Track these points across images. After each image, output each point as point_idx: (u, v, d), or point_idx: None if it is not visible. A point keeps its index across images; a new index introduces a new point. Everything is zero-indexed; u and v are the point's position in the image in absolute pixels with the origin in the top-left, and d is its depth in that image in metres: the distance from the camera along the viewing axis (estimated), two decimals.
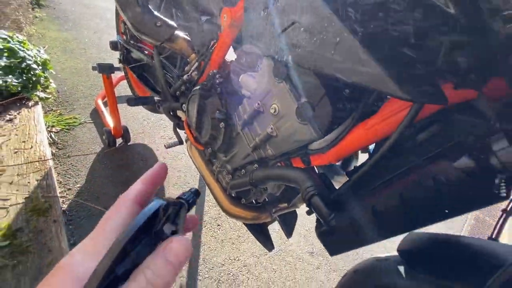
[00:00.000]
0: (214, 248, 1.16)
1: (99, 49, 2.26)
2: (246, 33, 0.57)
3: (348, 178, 0.48)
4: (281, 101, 0.54)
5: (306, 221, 1.44)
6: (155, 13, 0.84)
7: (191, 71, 0.84)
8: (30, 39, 1.80)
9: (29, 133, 1.13)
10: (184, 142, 1.04)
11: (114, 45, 1.31)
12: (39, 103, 1.35)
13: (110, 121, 1.47)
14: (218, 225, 1.27)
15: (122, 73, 1.73)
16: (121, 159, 1.40)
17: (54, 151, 1.31)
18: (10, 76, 1.23)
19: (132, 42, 1.19)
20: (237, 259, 1.14)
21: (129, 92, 1.83)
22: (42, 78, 1.40)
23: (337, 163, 0.59)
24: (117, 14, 1.40)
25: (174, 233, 0.20)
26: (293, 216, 0.98)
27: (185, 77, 0.84)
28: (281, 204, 0.85)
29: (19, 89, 1.24)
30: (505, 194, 0.25)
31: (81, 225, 1.06)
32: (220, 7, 0.68)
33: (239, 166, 0.74)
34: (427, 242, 0.56)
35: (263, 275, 1.12)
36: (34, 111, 1.25)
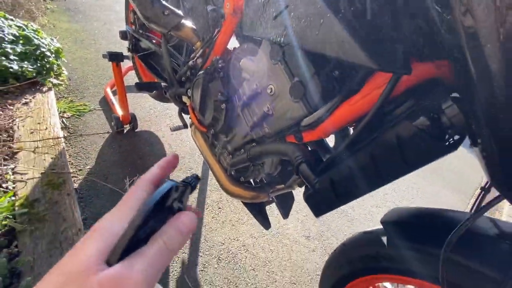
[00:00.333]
0: (215, 229, 1.22)
1: (108, 40, 2.33)
2: (246, 19, 0.62)
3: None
4: (276, 81, 0.59)
5: (303, 208, 1.49)
6: (163, 2, 0.89)
7: (196, 58, 0.89)
8: (42, 29, 1.87)
9: (43, 116, 1.20)
10: (189, 127, 1.10)
11: (123, 35, 1.37)
12: (52, 89, 1.42)
13: (118, 108, 1.54)
14: (219, 207, 1.33)
15: (131, 64, 1.80)
16: (129, 144, 1.47)
17: (65, 135, 1.38)
18: (26, 62, 1.30)
19: (140, 31, 1.25)
20: (236, 239, 1.21)
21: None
22: (55, 66, 1.47)
23: (326, 138, 0.64)
24: (127, 5, 1.46)
25: (180, 208, 0.26)
26: (290, 198, 1.03)
27: (190, 63, 0.90)
28: (278, 185, 0.91)
29: (34, 74, 1.31)
30: (454, 147, 0.30)
31: (91, 203, 1.13)
32: None
33: (238, 146, 0.80)
34: (408, 214, 0.62)
35: (260, 255, 1.18)
36: (47, 96, 1.32)
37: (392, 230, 0.61)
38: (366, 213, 1.65)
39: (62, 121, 1.44)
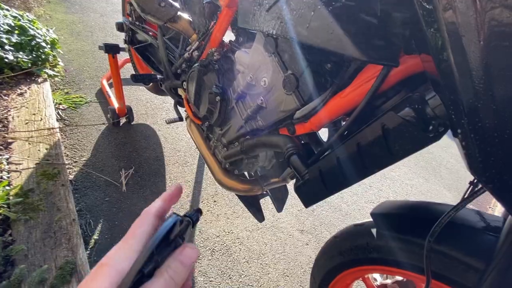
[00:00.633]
0: (209, 221, 1.24)
1: (105, 33, 2.31)
2: (242, 11, 0.62)
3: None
4: (270, 74, 0.60)
5: (298, 202, 1.51)
6: None
7: (191, 50, 0.89)
8: (38, 20, 1.85)
9: (38, 107, 1.20)
10: (184, 120, 1.10)
11: (120, 27, 1.36)
12: (48, 80, 1.41)
13: (114, 101, 1.53)
14: (215, 201, 1.34)
15: (127, 56, 1.79)
16: (124, 137, 1.47)
17: (61, 126, 1.38)
18: (21, 52, 1.29)
19: (137, 23, 1.24)
20: (231, 232, 1.22)
21: None
22: (50, 57, 1.46)
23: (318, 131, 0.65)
24: None
25: (182, 241, 0.27)
26: (285, 191, 1.04)
27: (186, 55, 0.90)
28: (272, 179, 0.92)
29: (29, 65, 1.30)
30: (437, 138, 0.31)
31: (86, 194, 1.13)
32: None
33: (233, 139, 0.81)
34: (397, 206, 0.63)
35: (254, 247, 1.19)
36: (43, 87, 1.32)
37: (381, 221, 0.62)
38: (359, 208, 1.66)
39: (58, 113, 1.44)
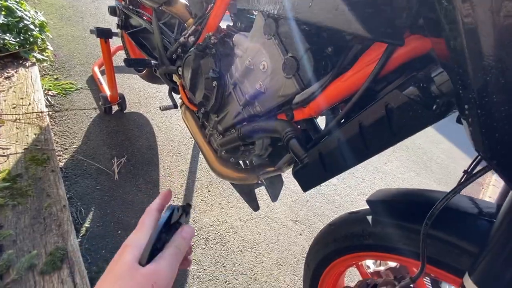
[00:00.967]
0: (203, 211, 1.23)
1: (96, 18, 2.24)
2: None
3: None
4: (269, 57, 0.58)
5: (292, 194, 1.51)
6: None
7: (187, 35, 0.87)
8: (26, 2, 1.77)
9: (26, 91, 1.16)
10: (179, 107, 1.08)
11: (112, 11, 1.32)
12: (36, 64, 1.36)
13: (106, 88, 1.49)
14: (209, 191, 1.33)
15: (119, 42, 1.74)
16: (117, 125, 1.44)
17: (51, 113, 1.34)
18: (8, 34, 1.23)
19: (131, 7, 1.21)
20: (225, 221, 1.22)
21: None
22: (39, 40, 1.41)
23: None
24: None
25: (181, 224, 0.37)
26: (280, 181, 1.04)
27: (181, 39, 0.88)
28: (267, 168, 0.91)
29: (17, 47, 1.25)
30: (442, 116, 0.30)
31: (77, 182, 1.11)
32: None
33: (229, 126, 0.79)
34: (392, 194, 0.63)
35: (248, 237, 1.19)
36: (31, 71, 1.27)
37: (377, 208, 0.62)
38: (352, 200, 1.68)
39: (47, 99, 1.39)
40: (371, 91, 0.45)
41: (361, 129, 0.37)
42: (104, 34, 1.25)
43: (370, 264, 0.80)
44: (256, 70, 0.63)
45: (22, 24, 1.32)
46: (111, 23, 2.23)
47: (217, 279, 1.02)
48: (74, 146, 1.24)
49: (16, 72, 1.23)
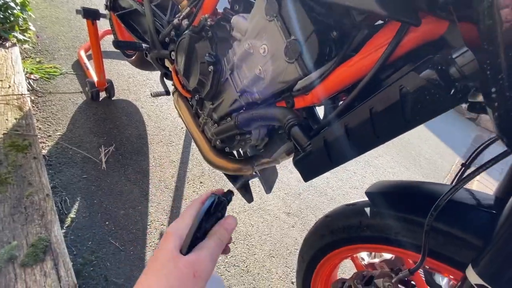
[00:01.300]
0: None
1: (82, 0, 2.12)
2: None
3: None
4: (270, 40, 0.55)
5: (285, 186, 1.50)
6: None
7: (182, 16, 0.82)
8: None
9: (6, 73, 1.08)
10: (171, 95, 1.04)
11: None
12: (17, 44, 1.27)
13: (93, 74, 1.42)
14: (201, 182, 1.30)
15: (108, 27, 1.66)
16: (104, 113, 1.38)
17: (33, 98, 1.26)
18: None
19: None
20: None
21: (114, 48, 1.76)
22: (20, 19, 1.31)
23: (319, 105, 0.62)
24: None
25: (223, 214, 0.38)
26: (274, 173, 1.02)
27: (175, 21, 0.83)
28: (263, 159, 0.88)
29: None
30: (460, 100, 0.28)
31: (61, 171, 1.05)
32: None
33: (225, 114, 0.76)
34: (391, 186, 0.62)
35: (241, 229, 1.17)
36: (11, 52, 1.19)
37: (375, 200, 0.61)
38: (344, 193, 1.69)
39: (29, 83, 1.31)
40: (378, 78, 0.43)
41: (372, 115, 0.35)
42: (91, 15, 1.18)
43: (364, 256, 0.79)
44: (255, 54, 0.60)
45: (2, 1, 1.23)
46: (99, 5, 2.12)
47: None
48: (58, 133, 1.18)
49: None
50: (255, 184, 1.39)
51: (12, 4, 1.28)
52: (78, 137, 1.20)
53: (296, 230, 1.29)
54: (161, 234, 1.05)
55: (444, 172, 2.59)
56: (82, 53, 1.58)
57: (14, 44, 1.25)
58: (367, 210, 0.63)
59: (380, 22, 0.46)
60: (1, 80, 1.04)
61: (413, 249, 0.55)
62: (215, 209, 0.36)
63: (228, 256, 1.07)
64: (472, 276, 0.40)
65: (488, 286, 0.38)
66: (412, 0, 0.32)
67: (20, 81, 1.09)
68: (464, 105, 0.40)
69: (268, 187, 1.00)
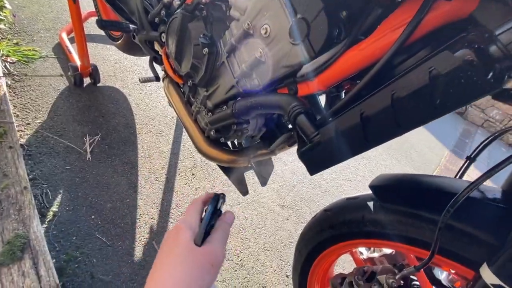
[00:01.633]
0: (187, 195, 1.15)
1: None
2: None
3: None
4: (273, 19, 0.50)
5: (279, 179, 1.47)
6: None
7: None
8: None
9: None
10: (161, 81, 0.97)
11: None
12: None
13: (76, 58, 1.32)
14: (193, 174, 1.25)
15: (92, 8, 1.55)
16: (89, 100, 1.29)
17: (10, 83, 1.17)
18: None
19: None
20: None
21: (98, 31, 1.65)
22: None
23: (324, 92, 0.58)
24: None
25: (221, 211, 0.42)
26: (269, 165, 0.98)
27: (165, 0, 0.76)
28: (260, 150, 0.84)
29: None
30: (498, 84, 0.25)
31: (42, 161, 0.98)
32: None
33: (220, 101, 0.71)
34: (396, 179, 0.59)
35: (235, 222, 1.14)
36: None
37: (380, 194, 0.58)
38: (338, 185, 1.68)
39: (5, 66, 1.21)
40: (393, 62, 0.39)
41: (394, 101, 0.31)
42: None
43: (363, 251, 0.77)
44: (256, 35, 0.54)
45: None
46: None
47: None
48: (38, 121, 1.09)
49: None
50: (249, 176, 1.35)
51: None
52: (60, 126, 1.12)
53: (290, 223, 1.27)
54: (151, 228, 1.00)
55: (434, 165, 2.63)
56: (64, 36, 1.47)
57: None
58: (371, 204, 0.61)
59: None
60: None
61: (418, 245, 0.53)
62: (219, 205, 0.41)
63: None
64: (488, 275, 0.38)
65: (506, 286, 0.36)
66: None
67: None
68: None
69: (264, 180, 0.97)
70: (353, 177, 1.81)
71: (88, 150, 1.09)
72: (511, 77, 0.27)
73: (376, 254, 0.74)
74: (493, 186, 0.56)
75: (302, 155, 0.45)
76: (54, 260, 0.76)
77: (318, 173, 1.43)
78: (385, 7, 0.41)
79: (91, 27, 1.68)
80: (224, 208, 0.43)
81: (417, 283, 0.65)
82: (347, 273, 0.74)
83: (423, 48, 0.37)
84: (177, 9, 0.74)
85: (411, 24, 0.35)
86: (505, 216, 0.46)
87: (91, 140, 1.13)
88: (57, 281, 0.61)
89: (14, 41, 1.37)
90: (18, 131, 1.00)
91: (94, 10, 1.59)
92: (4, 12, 1.33)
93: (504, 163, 0.38)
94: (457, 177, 0.63)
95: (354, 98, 0.41)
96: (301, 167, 1.61)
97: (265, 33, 0.52)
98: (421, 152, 2.69)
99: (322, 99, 0.61)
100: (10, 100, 1.09)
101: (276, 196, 1.36)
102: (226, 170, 0.95)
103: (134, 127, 1.31)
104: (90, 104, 1.27)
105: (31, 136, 1.03)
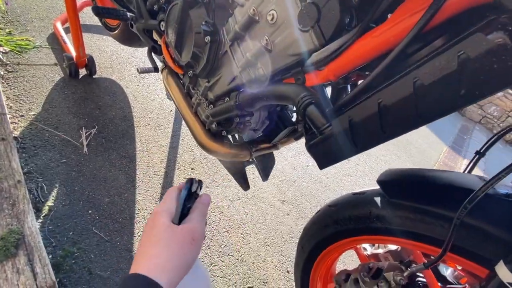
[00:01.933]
0: None
1: None
2: None
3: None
4: (281, 5, 0.47)
5: (279, 173, 1.45)
6: None
7: None
8: None
9: None
10: (160, 72, 0.94)
11: None
12: None
13: (71, 48, 1.28)
14: (192, 168, 1.23)
15: None
16: (85, 91, 1.25)
17: (2, 73, 1.13)
18: None
19: None
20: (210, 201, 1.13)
21: (94, 21, 1.61)
22: None
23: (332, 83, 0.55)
24: None
25: (198, 194, 0.43)
26: (271, 160, 0.96)
27: None
28: (262, 144, 0.82)
29: None
30: None
31: (37, 154, 0.95)
32: None
33: (222, 93, 0.68)
34: (405, 174, 0.58)
35: (235, 217, 1.12)
36: None
37: (388, 189, 0.57)
38: (338, 181, 1.67)
39: None
40: (408, 50, 0.37)
41: (416, 89, 0.29)
42: None
43: (367, 247, 0.76)
44: (262, 22, 0.52)
45: None
46: None
47: (202, 262, 0.94)
48: (32, 113, 1.06)
49: None
50: (249, 171, 1.33)
51: None
52: (55, 118, 1.08)
53: (291, 218, 1.26)
54: None
55: (433, 161, 2.63)
56: (59, 25, 1.42)
57: None
58: (378, 199, 0.59)
59: None
60: None
61: (427, 242, 0.52)
62: (193, 189, 0.42)
63: (222, 246, 1.02)
64: (505, 273, 0.37)
65: None
66: None
67: None
68: None
69: (265, 175, 0.95)
70: (353, 173, 1.80)
71: (85, 143, 1.06)
72: None
73: (380, 250, 0.73)
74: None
75: (311, 148, 0.43)
76: (50, 256, 0.74)
77: (318, 169, 1.41)
78: None
79: (86, 17, 1.64)
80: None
81: (422, 279, 0.64)
82: (351, 269, 0.73)
83: (443, 34, 0.34)
84: None
85: (431, 8, 0.33)
86: None
87: (87, 133, 1.10)
88: (54, 278, 0.59)
89: (7, 30, 1.32)
90: (11, 123, 0.97)
91: None
92: None
93: None
94: (466, 172, 0.61)
95: (367, 87, 0.38)
96: (302, 162, 1.60)
97: (272, 19, 0.49)
98: (420, 148, 2.68)
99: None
100: (3, 91, 1.05)
101: (276, 191, 1.34)
102: (227, 164, 0.93)
103: (132, 120, 1.28)
104: (86, 96, 1.24)
105: (25, 128, 1.00)
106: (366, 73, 0.53)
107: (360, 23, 0.42)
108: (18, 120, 1.02)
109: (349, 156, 0.39)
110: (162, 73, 0.90)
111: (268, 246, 1.11)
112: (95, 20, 1.61)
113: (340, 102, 0.41)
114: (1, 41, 1.24)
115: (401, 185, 0.56)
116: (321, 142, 0.40)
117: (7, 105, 1.03)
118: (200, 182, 0.44)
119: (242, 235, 1.08)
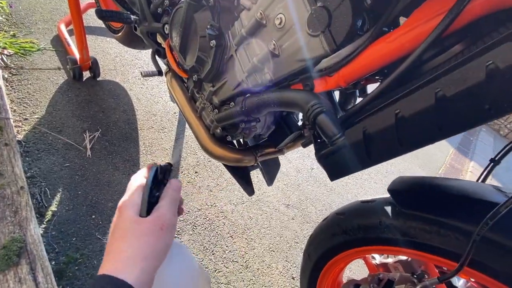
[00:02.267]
0: (190, 194, 1.12)
1: None
2: None
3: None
4: (289, 8, 0.46)
5: (284, 177, 1.43)
6: None
7: None
8: None
9: None
10: (164, 75, 0.93)
11: None
12: None
13: (76, 51, 1.28)
14: (196, 172, 1.21)
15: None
16: (89, 94, 1.25)
17: (6, 76, 1.12)
18: None
19: None
20: (214, 205, 1.12)
21: (98, 23, 1.60)
22: None
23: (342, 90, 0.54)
24: None
25: (167, 180, 0.41)
26: (276, 164, 0.94)
27: None
28: (267, 149, 0.80)
29: None
30: None
31: (40, 158, 0.94)
32: None
33: (227, 98, 0.67)
34: (416, 182, 0.55)
35: (239, 222, 1.11)
36: None
37: (400, 198, 0.55)
38: (343, 184, 1.64)
39: (2, 59, 1.17)
40: (425, 58, 0.35)
41: (437, 100, 0.27)
42: None
43: (375, 256, 0.74)
44: (269, 25, 0.50)
45: None
46: None
47: (206, 268, 0.93)
48: (36, 116, 1.05)
49: None
50: (253, 174, 1.31)
51: None
52: (59, 121, 1.08)
53: (296, 223, 1.24)
54: None
55: (440, 163, 2.59)
56: (63, 27, 1.42)
57: None
58: (388, 209, 0.57)
59: None
60: None
61: (441, 255, 0.50)
62: (161, 177, 0.40)
63: (226, 251, 1.00)
64: None
65: None
66: None
67: None
68: None
69: (270, 179, 0.93)
70: (359, 176, 1.78)
71: (88, 146, 1.05)
72: None
73: (390, 260, 0.71)
74: None
75: (321, 159, 0.41)
76: (53, 263, 0.73)
77: (323, 171, 1.39)
78: None
79: (90, 19, 1.63)
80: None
81: None
82: (359, 279, 0.71)
83: (462, 39, 0.32)
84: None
85: (451, 13, 0.31)
86: None
87: (91, 136, 1.09)
88: (56, 287, 0.58)
89: (11, 32, 1.32)
90: (15, 126, 0.96)
91: (93, 0, 1.54)
92: (0, 3, 1.28)
93: None
94: (480, 180, 0.59)
95: (380, 94, 0.36)
96: (306, 164, 1.58)
97: (280, 23, 0.47)
98: (426, 150, 2.64)
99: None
100: (7, 94, 1.05)
101: (281, 195, 1.32)
102: (231, 169, 0.91)
103: (136, 123, 1.27)
104: (90, 99, 1.23)
105: (28, 132, 0.99)
106: (377, 77, 0.51)
107: (372, 28, 0.40)
108: (22, 124, 1.01)
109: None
110: (166, 77, 0.89)
111: (273, 251, 1.09)
112: (99, 22, 1.60)
113: (351, 109, 0.39)
114: (5, 43, 1.24)
115: (413, 194, 0.54)
116: (332, 153, 0.38)
117: (11, 108, 1.02)
118: (168, 166, 0.41)
119: (246, 241, 1.07)
